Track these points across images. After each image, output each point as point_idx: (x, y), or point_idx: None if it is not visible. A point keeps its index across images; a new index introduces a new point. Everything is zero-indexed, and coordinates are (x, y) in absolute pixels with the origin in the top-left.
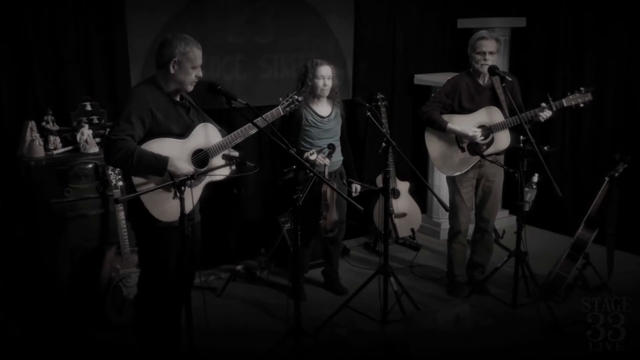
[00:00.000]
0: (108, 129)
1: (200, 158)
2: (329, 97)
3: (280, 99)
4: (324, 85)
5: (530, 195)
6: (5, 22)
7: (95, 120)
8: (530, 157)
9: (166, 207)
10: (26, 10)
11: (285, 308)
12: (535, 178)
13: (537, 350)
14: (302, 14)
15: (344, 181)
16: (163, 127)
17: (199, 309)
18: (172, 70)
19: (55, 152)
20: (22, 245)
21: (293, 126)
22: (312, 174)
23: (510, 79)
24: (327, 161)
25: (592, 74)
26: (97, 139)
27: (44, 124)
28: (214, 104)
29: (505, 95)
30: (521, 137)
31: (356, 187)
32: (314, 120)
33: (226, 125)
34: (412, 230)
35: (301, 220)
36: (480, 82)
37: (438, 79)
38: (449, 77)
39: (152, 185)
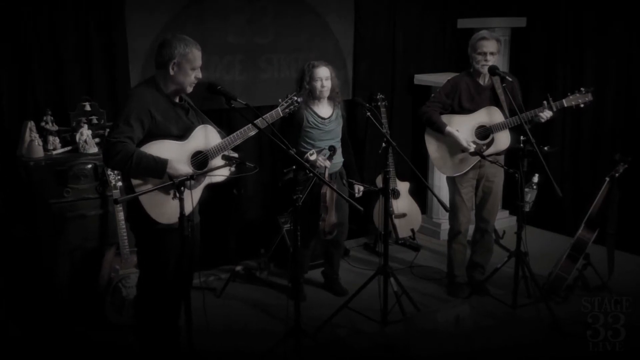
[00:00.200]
0: (107, 130)
1: (200, 160)
2: (329, 98)
3: (280, 100)
4: (322, 86)
5: (530, 195)
6: (5, 22)
7: (95, 121)
8: (530, 157)
9: (165, 209)
10: (26, 10)
11: (285, 308)
12: (536, 178)
13: (537, 350)
14: (302, 14)
15: (344, 182)
16: (162, 128)
17: (199, 310)
18: (171, 72)
19: (54, 152)
20: (22, 245)
21: (294, 127)
22: (312, 174)
23: (510, 79)
24: (327, 163)
25: (593, 74)
26: (97, 139)
27: (43, 124)
28: (213, 104)
29: (505, 95)
30: (521, 138)
31: (359, 188)
32: (315, 122)
33: (226, 125)
34: (412, 230)
35: (301, 220)
36: (481, 82)
37: (438, 79)
38: (449, 77)
39: (151, 186)
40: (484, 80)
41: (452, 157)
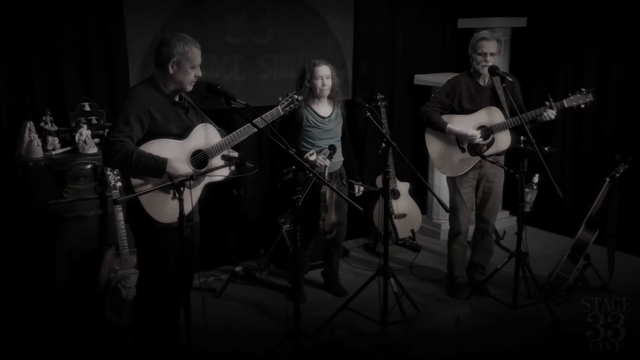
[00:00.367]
0: (107, 130)
1: (200, 159)
2: (329, 98)
3: (280, 98)
4: (323, 85)
5: (530, 195)
6: (5, 22)
7: (94, 121)
8: (530, 158)
9: (165, 208)
10: (25, 10)
11: (284, 309)
12: (536, 179)
13: (537, 351)
14: (302, 14)
15: (344, 182)
16: (162, 128)
17: (198, 310)
18: (170, 70)
19: (53, 152)
20: (21, 246)
21: (293, 127)
22: (311, 174)
23: (510, 79)
24: (327, 162)
25: (593, 74)
26: (96, 140)
27: (42, 124)
28: (213, 104)
29: (505, 95)
30: (522, 138)
31: (359, 188)
32: (314, 121)
33: (226, 125)
34: (412, 231)
35: (300, 221)
36: (481, 82)
37: (438, 79)
38: (449, 77)
39: (150, 186)
40: (484, 80)
41: (452, 158)
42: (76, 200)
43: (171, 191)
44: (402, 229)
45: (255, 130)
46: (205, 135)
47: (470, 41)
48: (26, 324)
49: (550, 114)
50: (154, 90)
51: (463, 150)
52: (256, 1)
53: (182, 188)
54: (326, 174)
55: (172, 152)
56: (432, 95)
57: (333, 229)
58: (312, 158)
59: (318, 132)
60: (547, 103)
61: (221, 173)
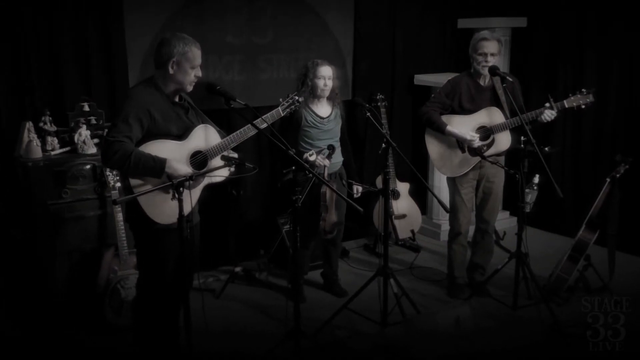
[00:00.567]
0: (106, 130)
1: (199, 160)
2: (328, 98)
3: (280, 99)
4: (325, 85)
5: (531, 196)
6: (4, 22)
7: (93, 121)
8: (531, 158)
9: (164, 209)
10: (25, 10)
11: (284, 310)
12: (536, 179)
13: (537, 352)
14: (302, 14)
15: (344, 182)
16: (161, 128)
17: (198, 311)
18: (170, 71)
19: (52, 153)
20: (21, 246)
21: (293, 127)
22: (311, 175)
23: (510, 80)
24: (326, 162)
25: (593, 74)
26: (95, 140)
27: (41, 124)
28: (213, 104)
29: (506, 95)
30: (522, 138)
31: (357, 189)
32: (313, 121)
33: (226, 126)
34: (412, 231)
35: (300, 221)
36: (481, 82)
37: (438, 79)
38: (449, 77)
39: (149, 187)
40: (485, 80)
41: (452, 158)
42: (75, 201)
43: (170, 192)
44: (402, 230)
45: (255, 131)
46: (205, 136)
47: (471, 41)
48: (26, 324)
49: (551, 114)
50: (153, 90)
51: (463, 151)
52: (256, 1)
53: (181, 189)
54: (325, 174)
55: (171, 152)
56: (432, 95)
57: (334, 228)
58: (312, 158)
59: (317, 132)
60: (548, 104)
61: (221, 173)
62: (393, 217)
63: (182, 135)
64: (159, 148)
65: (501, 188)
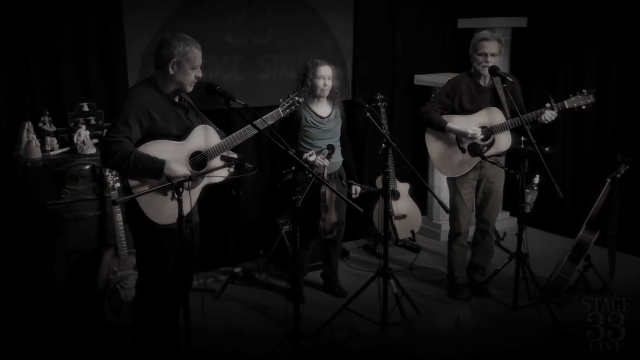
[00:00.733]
0: (105, 130)
1: (198, 160)
2: (328, 98)
3: (281, 100)
4: (324, 85)
5: (531, 196)
6: (4, 22)
7: (93, 121)
8: (531, 158)
9: (164, 209)
10: (25, 10)
11: (284, 310)
12: (536, 179)
13: (538, 352)
14: (302, 14)
15: (344, 182)
16: (161, 128)
17: (197, 311)
18: (171, 71)
19: (52, 153)
20: (21, 246)
21: (292, 127)
22: (311, 175)
23: (511, 80)
24: (326, 162)
25: (593, 74)
26: (95, 140)
27: (40, 124)
28: (212, 104)
29: (506, 96)
30: (522, 138)
31: (356, 189)
32: (313, 121)
33: (225, 126)
34: (412, 232)
35: (300, 221)
36: (481, 83)
37: (438, 79)
38: (449, 78)
39: (148, 187)
40: (485, 81)
41: (453, 158)
42: (75, 201)
43: (169, 192)
44: (402, 230)
45: (255, 131)
46: (204, 136)
47: (471, 41)
48: (25, 324)
49: (551, 114)
50: (153, 90)
51: (463, 151)
52: (256, 1)
53: (180, 189)
54: (325, 174)
55: (171, 153)
56: (432, 95)
57: (334, 228)
58: (312, 158)
59: (317, 132)
60: (548, 104)
61: (220, 174)
62: (393, 217)
63: (181, 135)
64: (159, 148)
65: (501, 188)
